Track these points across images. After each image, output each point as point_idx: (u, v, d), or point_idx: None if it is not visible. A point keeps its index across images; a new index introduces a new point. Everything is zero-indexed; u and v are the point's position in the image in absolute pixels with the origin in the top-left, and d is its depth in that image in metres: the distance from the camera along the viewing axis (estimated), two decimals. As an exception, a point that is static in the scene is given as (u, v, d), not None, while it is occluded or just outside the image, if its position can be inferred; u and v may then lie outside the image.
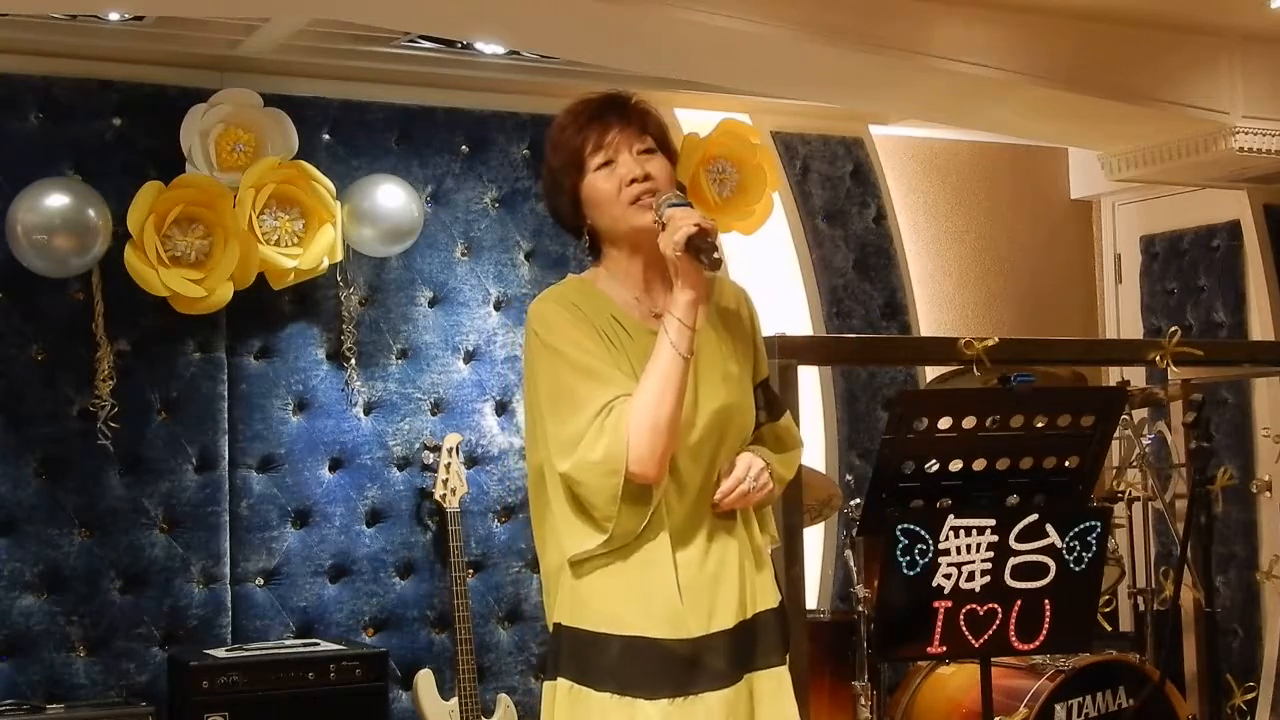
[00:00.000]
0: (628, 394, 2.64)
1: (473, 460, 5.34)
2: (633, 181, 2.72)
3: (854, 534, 4.97)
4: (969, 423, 3.35)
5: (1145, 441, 4.90)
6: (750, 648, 2.74)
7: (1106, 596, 4.85)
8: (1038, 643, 3.49)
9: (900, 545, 3.34)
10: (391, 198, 5.11)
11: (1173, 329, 4.34)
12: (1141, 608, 5.06)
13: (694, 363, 2.71)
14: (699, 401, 2.73)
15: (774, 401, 2.93)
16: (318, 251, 4.99)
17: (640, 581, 2.67)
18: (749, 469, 2.74)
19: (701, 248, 2.61)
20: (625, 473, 2.60)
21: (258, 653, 4.82)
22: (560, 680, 2.72)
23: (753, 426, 2.83)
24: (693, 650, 2.67)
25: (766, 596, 2.79)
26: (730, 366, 2.80)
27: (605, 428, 2.61)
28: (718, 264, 2.63)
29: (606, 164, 2.75)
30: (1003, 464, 3.42)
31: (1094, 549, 3.47)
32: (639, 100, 2.82)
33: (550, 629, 2.79)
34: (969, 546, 3.38)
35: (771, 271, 5.91)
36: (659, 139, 2.79)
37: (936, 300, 6.45)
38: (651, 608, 2.66)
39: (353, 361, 5.21)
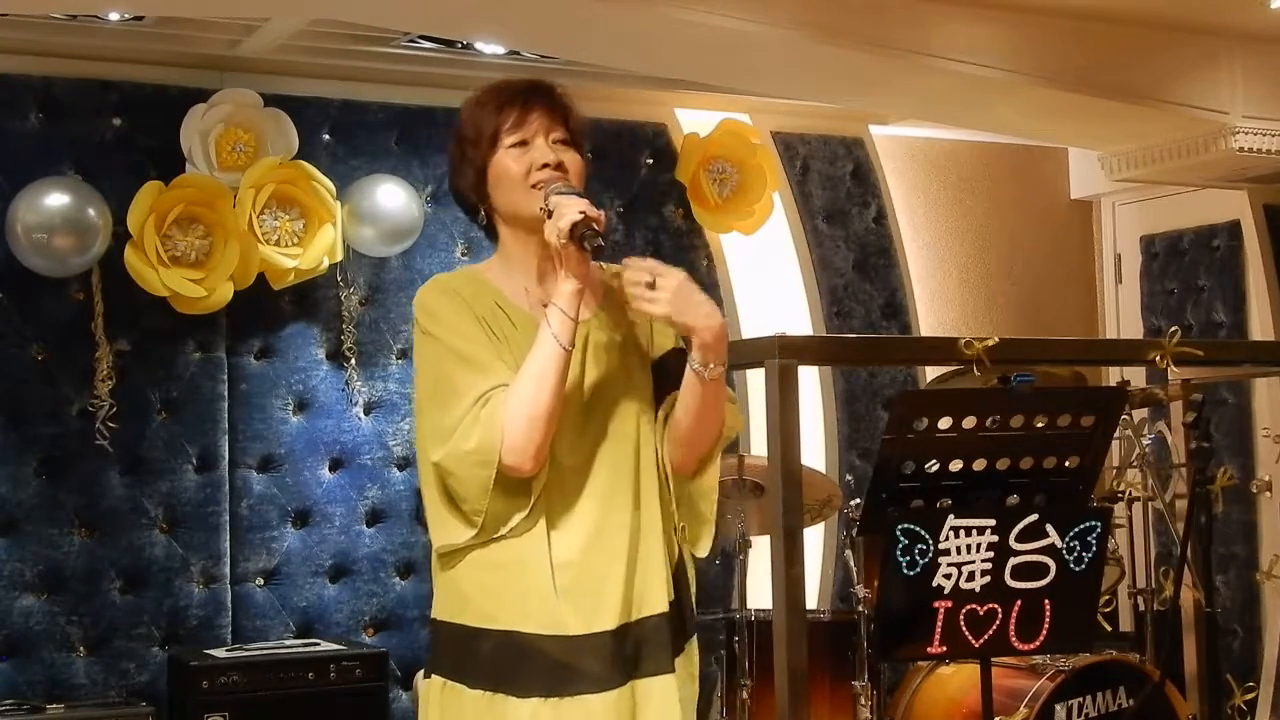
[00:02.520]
0: (506, 384, 2.56)
1: (473, 460, 5.33)
2: (544, 167, 2.67)
3: (854, 534, 4.96)
4: (969, 423, 3.35)
5: (1145, 441, 4.89)
6: (635, 652, 2.62)
7: (1106, 596, 4.84)
8: (1038, 643, 3.48)
9: (900, 545, 3.33)
10: (391, 198, 5.11)
11: (1173, 329, 4.33)
12: (1141, 608, 5.05)
13: (583, 354, 2.65)
14: (584, 393, 2.65)
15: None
16: (318, 251, 4.99)
17: (514, 576, 2.58)
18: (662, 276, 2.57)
19: (585, 235, 2.55)
20: (499, 465, 2.52)
21: (258, 653, 4.82)
22: (434, 678, 2.64)
23: (650, 415, 2.71)
24: (568, 649, 2.56)
25: (655, 600, 2.64)
26: (622, 357, 2.72)
27: (481, 418, 2.54)
28: (601, 251, 2.55)
29: (520, 144, 2.69)
30: (1003, 464, 3.41)
31: (1094, 549, 3.47)
32: (564, 91, 2.76)
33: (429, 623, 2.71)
34: (969, 546, 3.38)
35: (771, 271, 5.91)
36: (575, 134, 2.73)
37: (936, 300, 6.45)
38: (526, 604, 2.57)
39: (353, 361, 5.21)
